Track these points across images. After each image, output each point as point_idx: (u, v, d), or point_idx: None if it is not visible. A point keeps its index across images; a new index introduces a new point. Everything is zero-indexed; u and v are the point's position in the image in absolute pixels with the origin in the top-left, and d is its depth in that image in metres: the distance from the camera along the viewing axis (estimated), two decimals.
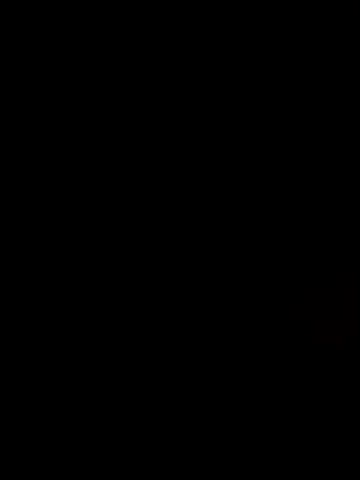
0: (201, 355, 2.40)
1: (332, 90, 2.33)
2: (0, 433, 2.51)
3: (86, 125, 2.54)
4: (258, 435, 2.36)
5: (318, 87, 2.34)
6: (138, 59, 2.52)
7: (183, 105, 2.36)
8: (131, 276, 2.51)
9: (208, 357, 2.42)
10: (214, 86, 2.36)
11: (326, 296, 2.38)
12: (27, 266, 2.57)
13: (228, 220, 2.35)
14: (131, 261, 2.52)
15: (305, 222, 2.40)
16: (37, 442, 2.52)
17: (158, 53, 2.50)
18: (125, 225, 2.50)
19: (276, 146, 2.38)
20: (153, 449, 2.47)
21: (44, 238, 2.57)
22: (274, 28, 2.25)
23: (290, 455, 2.35)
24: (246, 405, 2.38)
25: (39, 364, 2.56)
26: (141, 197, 2.43)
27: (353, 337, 2.34)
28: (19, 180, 2.56)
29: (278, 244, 2.40)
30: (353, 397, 2.38)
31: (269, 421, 2.36)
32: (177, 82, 2.41)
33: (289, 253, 2.40)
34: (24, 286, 2.56)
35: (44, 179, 2.55)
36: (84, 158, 2.55)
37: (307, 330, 2.34)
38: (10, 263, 2.58)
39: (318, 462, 2.37)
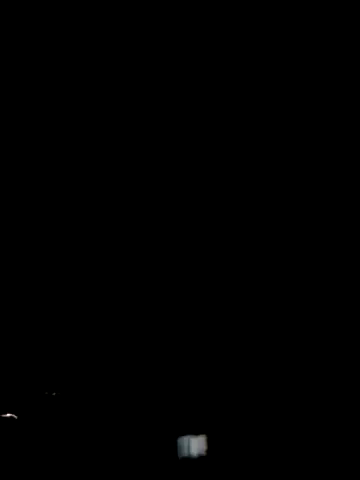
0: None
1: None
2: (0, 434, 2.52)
3: (88, 127, 2.55)
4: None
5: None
6: (139, 61, 2.52)
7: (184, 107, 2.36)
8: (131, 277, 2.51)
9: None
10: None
11: None
12: (28, 267, 2.57)
13: None
14: (131, 262, 2.52)
15: None
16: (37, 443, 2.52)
17: (159, 55, 2.50)
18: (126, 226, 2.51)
19: None
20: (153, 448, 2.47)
21: (44, 238, 2.57)
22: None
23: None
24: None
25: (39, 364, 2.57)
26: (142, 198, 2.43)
27: None
28: (19, 181, 2.56)
29: None
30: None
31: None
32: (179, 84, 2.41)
33: None
34: (25, 286, 2.57)
35: (45, 180, 2.55)
36: (85, 160, 2.56)
37: None
38: (11, 263, 2.58)
39: None
